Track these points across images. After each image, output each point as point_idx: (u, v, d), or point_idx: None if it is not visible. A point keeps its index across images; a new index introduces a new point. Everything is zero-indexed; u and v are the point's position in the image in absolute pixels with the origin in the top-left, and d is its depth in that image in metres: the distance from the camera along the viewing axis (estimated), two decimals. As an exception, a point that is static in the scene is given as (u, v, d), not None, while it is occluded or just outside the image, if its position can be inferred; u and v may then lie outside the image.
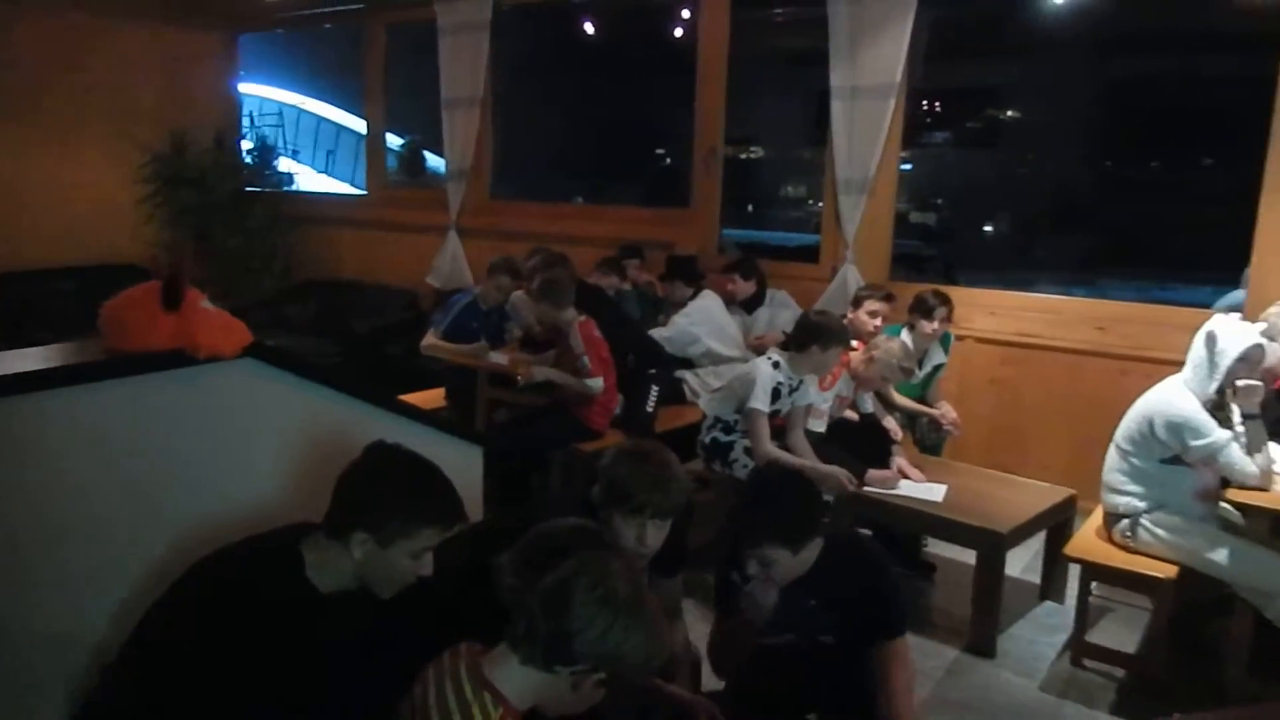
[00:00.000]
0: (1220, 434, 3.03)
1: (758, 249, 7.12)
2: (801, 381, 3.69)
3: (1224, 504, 3.18)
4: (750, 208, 14.66)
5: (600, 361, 4.25)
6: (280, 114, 12.34)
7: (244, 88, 8.47)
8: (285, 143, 11.41)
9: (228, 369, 2.19)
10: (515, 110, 7.83)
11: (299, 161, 11.31)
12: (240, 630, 1.69)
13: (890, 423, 4.07)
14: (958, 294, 4.70)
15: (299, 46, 11.03)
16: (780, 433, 3.73)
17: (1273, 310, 3.36)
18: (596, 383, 4.21)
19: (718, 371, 4.79)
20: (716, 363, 4.89)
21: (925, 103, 11.31)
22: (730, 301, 5.13)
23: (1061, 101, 11.31)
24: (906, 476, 3.75)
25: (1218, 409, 3.10)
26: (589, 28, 7.10)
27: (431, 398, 4.79)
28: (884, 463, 3.77)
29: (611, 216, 6.65)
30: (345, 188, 11.77)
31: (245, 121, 8.43)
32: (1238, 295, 4.30)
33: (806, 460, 3.64)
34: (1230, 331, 3.09)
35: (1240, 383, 3.04)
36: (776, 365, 3.63)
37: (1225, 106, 4.38)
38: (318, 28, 8.08)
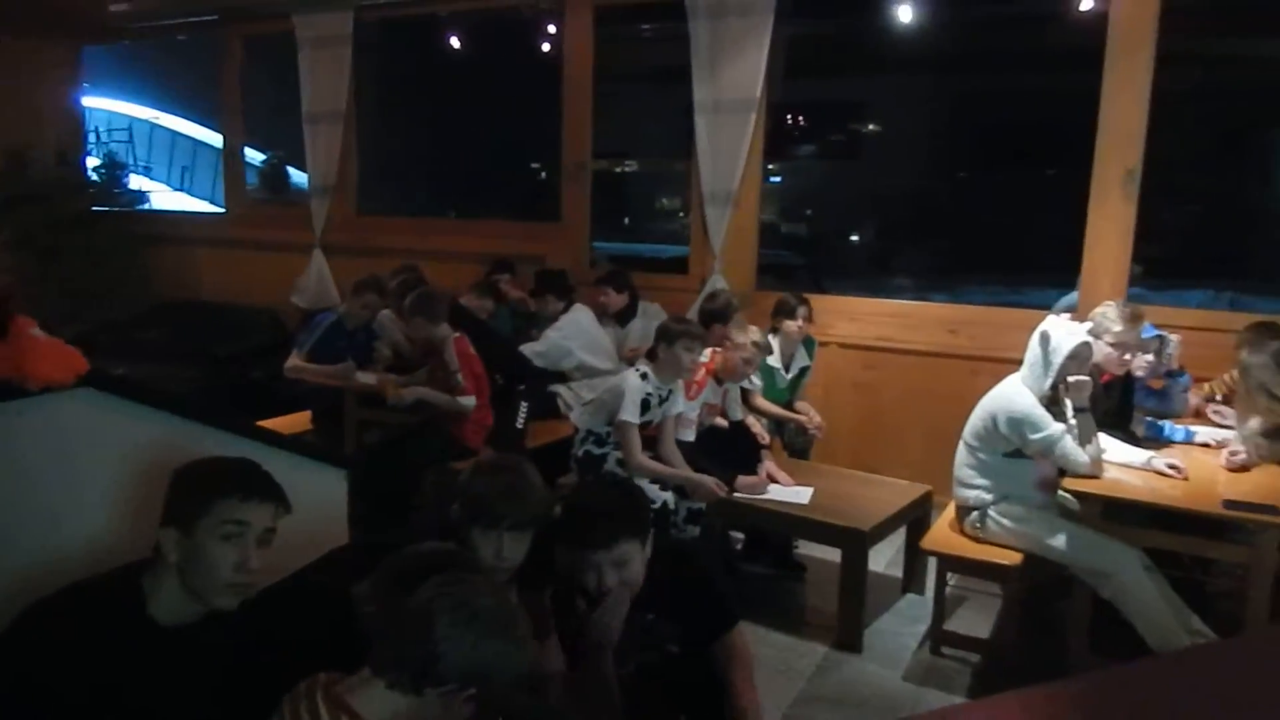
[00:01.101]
0: (1056, 427, 3.23)
1: (629, 261, 7.20)
2: (671, 391, 3.76)
3: (1062, 492, 3.40)
4: (626, 220, 14.77)
5: (474, 378, 4.23)
6: (130, 129, 11.76)
7: (90, 101, 8.04)
8: (136, 159, 10.87)
9: (64, 399, 2.08)
10: (382, 124, 7.70)
11: (152, 179, 10.80)
12: (79, 675, 1.61)
13: (758, 428, 4.19)
14: (821, 302, 4.89)
15: (151, 59, 10.54)
16: (652, 443, 3.79)
17: (1099, 311, 3.61)
18: (470, 400, 4.19)
19: (592, 385, 4.82)
20: (590, 376, 4.92)
21: (790, 117, 11.71)
22: (603, 314, 5.17)
23: (916, 115, 11.89)
24: (775, 481, 3.87)
25: (1053, 404, 3.31)
26: (455, 41, 7.05)
27: (297, 421, 4.65)
28: (753, 468, 3.88)
29: (483, 231, 6.62)
30: (205, 205, 11.29)
31: (91, 137, 7.99)
32: (1074, 297, 4.62)
33: (678, 469, 3.71)
34: (1061, 331, 3.31)
35: (1071, 379, 3.26)
36: (645, 376, 3.68)
37: (1060, 119, 4.70)
38: (170, 39, 7.74)
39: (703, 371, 3.98)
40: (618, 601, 2.13)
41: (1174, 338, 3.85)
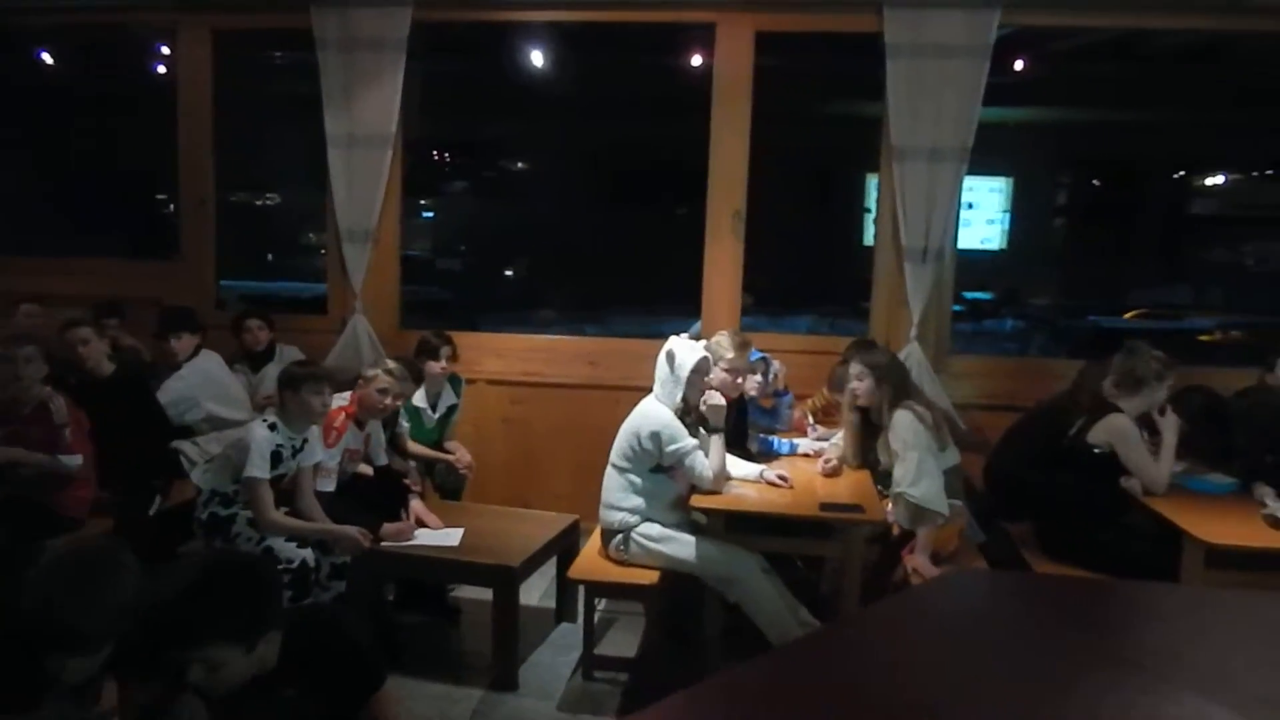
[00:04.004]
0: (690, 441, 3.51)
1: (265, 301, 6.74)
2: (306, 440, 3.54)
3: (695, 509, 3.66)
4: (270, 257, 13.83)
5: (81, 435, 3.67)
6: None
7: None
8: None
9: None
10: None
11: None
12: None
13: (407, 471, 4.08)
14: (468, 339, 4.88)
15: None
16: (289, 498, 3.54)
17: (714, 340, 3.94)
18: (75, 460, 3.62)
19: (221, 438, 4.40)
20: (220, 427, 4.47)
21: (438, 153, 11.71)
22: (251, 351, 4.78)
23: (562, 155, 12.40)
24: (425, 525, 3.78)
25: (684, 415, 3.59)
26: (52, 60, 6.20)
27: None
28: (401, 514, 3.76)
29: (84, 269, 5.81)
30: None
31: None
32: (699, 325, 5.03)
33: (318, 523, 3.49)
34: (684, 349, 3.63)
35: (709, 403, 3.55)
36: (274, 427, 3.44)
37: (685, 163, 5.14)
38: None
39: (342, 416, 3.80)
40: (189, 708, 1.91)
41: (775, 361, 4.30)
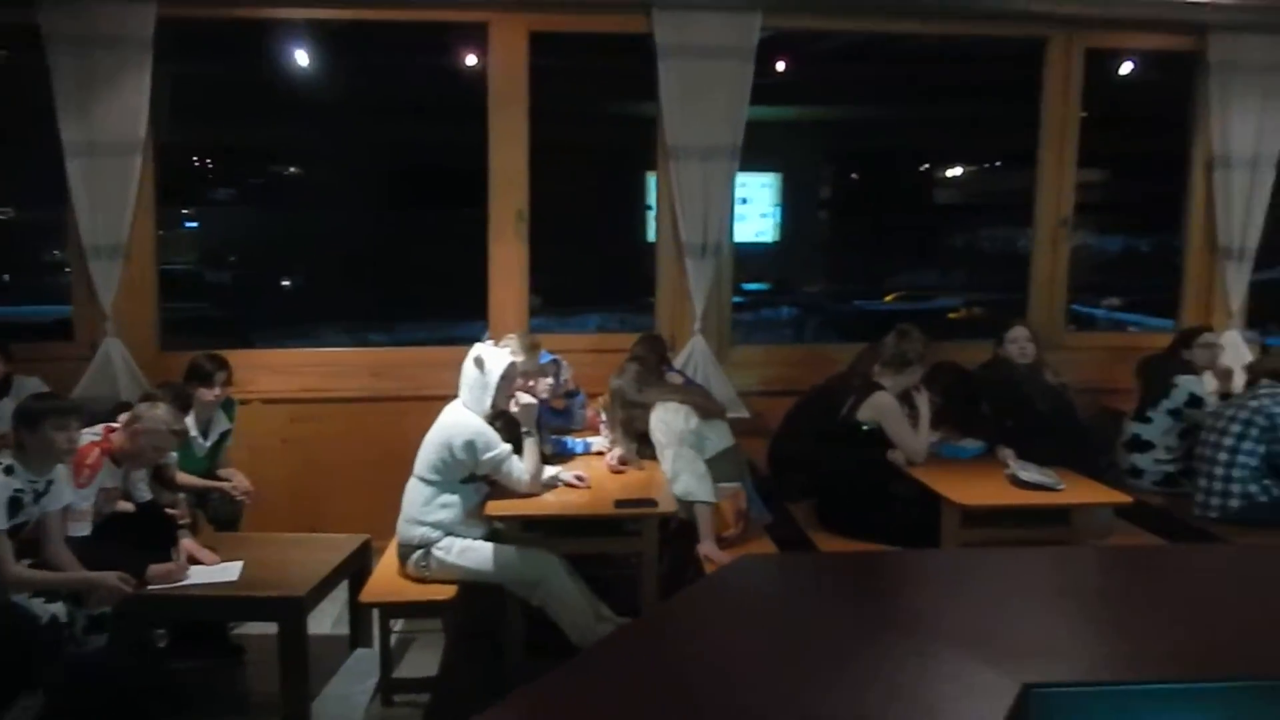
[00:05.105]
0: (504, 447, 3.45)
1: (2, 329, 6.03)
2: (50, 482, 3.18)
3: (495, 519, 3.59)
4: (7, 278, 12.55)
5: None
6: None
7: None
8: None
9: None
10: None
11: None
12: None
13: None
14: (239, 357, 4.56)
15: None
16: (35, 547, 3.16)
17: (503, 342, 3.89)
18: None
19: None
20: (-56, 476, 3.96)
21: (199, 159, 10.91)
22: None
23: (343, 160, 11.87)
24: (198, 561, 3.49)
25: (493, 420, 3.52)
26: None
27: None
28: (169, 553, 3.44)
29: None
30: None
31: None
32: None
33: (69, 573, 3.14)
34: (493, 355, 3.56)
35: (521, 403, 3.52)
36: (10, 470, 3.06)
37: (472, 165, 5.04)
38: None
39: (96, 453, 3.43)
40: None
41: (564, 362, 4.31)
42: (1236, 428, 3.94)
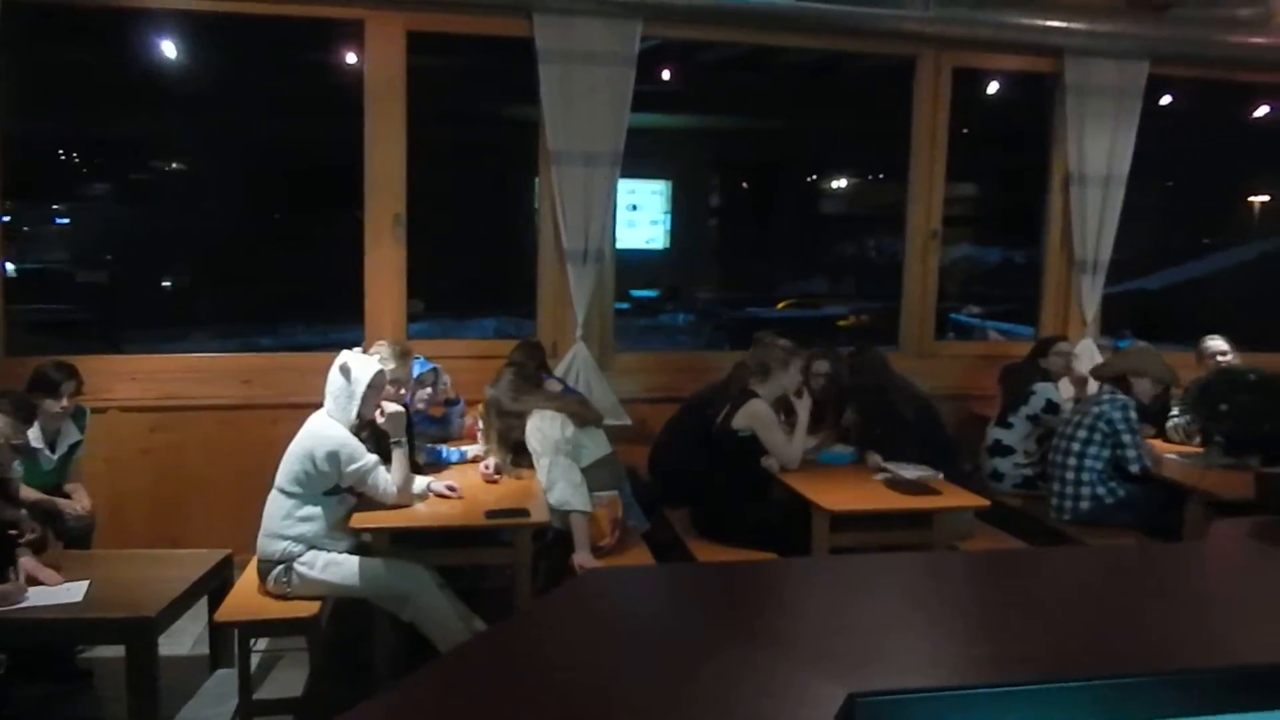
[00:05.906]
0: (370, 457, 3.35)
1: None
2: None
3: (362, 531, 3.49)
4: None
5: None
6: None
7: None
8: None
9: None
10: None
11: None
12: None
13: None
14: (98, 363, 4.35)
15: None
16: None
17: (372, 350, 3.80)
18: None
19: None
20: None
21: (65, 153, 10.32)
22: None
23: (221, 157, 11.39)
24: (39, 582, 3.28)
25: (359, 431, 3.41)
26: None
27: None
28: (5, 574, 3.23)
29: None
30: None
31: None
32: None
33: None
34: (360, 363, 3.45)
35: (388, 411, 3.41)
36: None
37: (353, 163, 4.87)
38: None
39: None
40: None
41: (443, 370, 4.23)
42: (1082, 433, 4.15)
